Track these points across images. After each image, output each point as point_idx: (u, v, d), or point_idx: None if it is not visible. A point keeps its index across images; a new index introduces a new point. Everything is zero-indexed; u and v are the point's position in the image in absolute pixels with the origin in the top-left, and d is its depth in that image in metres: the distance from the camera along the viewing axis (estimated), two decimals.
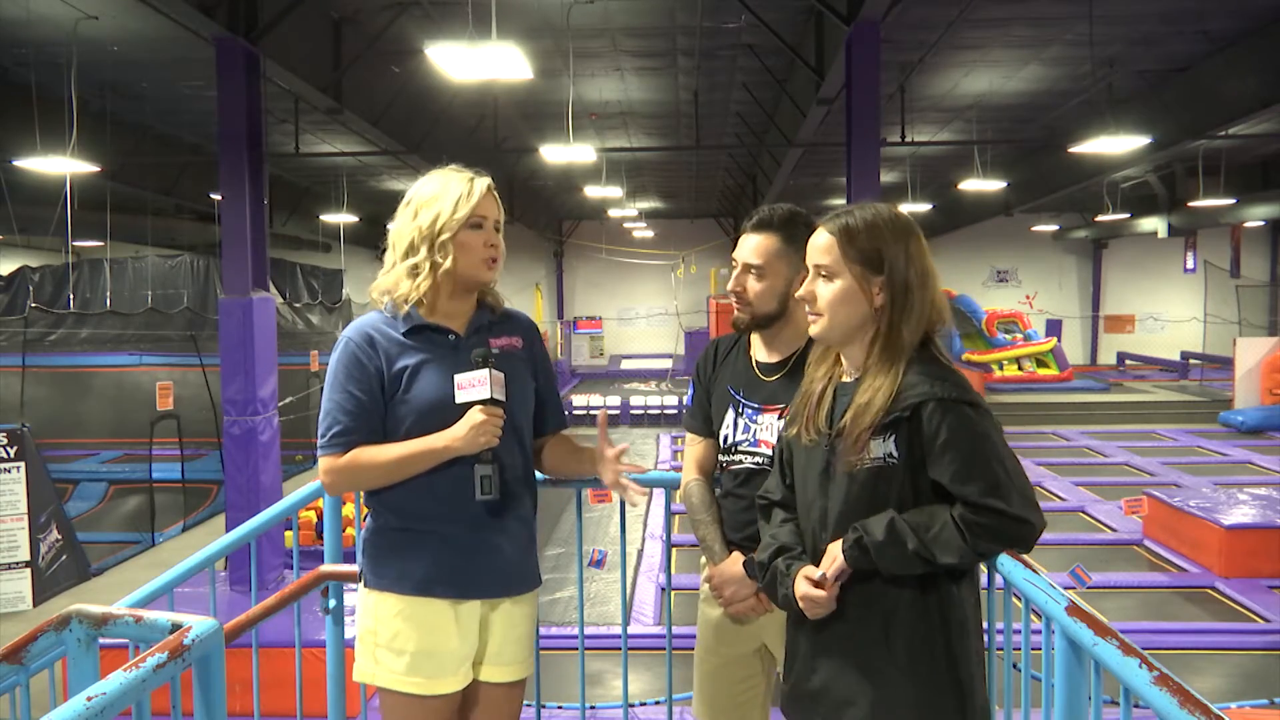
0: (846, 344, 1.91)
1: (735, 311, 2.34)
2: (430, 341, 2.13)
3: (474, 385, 2.08)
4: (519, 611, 2.23)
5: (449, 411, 2.08)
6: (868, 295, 1.85)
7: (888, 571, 1.79)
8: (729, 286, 2.32)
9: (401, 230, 2.14)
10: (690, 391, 2.52)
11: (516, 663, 2.24)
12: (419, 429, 2.08)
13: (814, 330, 1.92)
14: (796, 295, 1.99)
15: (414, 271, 2.10)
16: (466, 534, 2.13)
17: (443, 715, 2.14)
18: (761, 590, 2.05)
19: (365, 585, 2.16)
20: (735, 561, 2.27)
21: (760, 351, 2.37)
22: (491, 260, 2.15)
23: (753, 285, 2.28)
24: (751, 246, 2.29)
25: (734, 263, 2.34)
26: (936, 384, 1.77)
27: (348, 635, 2.79)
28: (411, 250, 2.11)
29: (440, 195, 2.11)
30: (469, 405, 2.07)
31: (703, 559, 2.45)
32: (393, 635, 2.10)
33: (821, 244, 1.89)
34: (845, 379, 1.92)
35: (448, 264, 2.09)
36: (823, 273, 1.89)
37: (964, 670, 1.82)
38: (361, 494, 2.25)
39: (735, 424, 2.33)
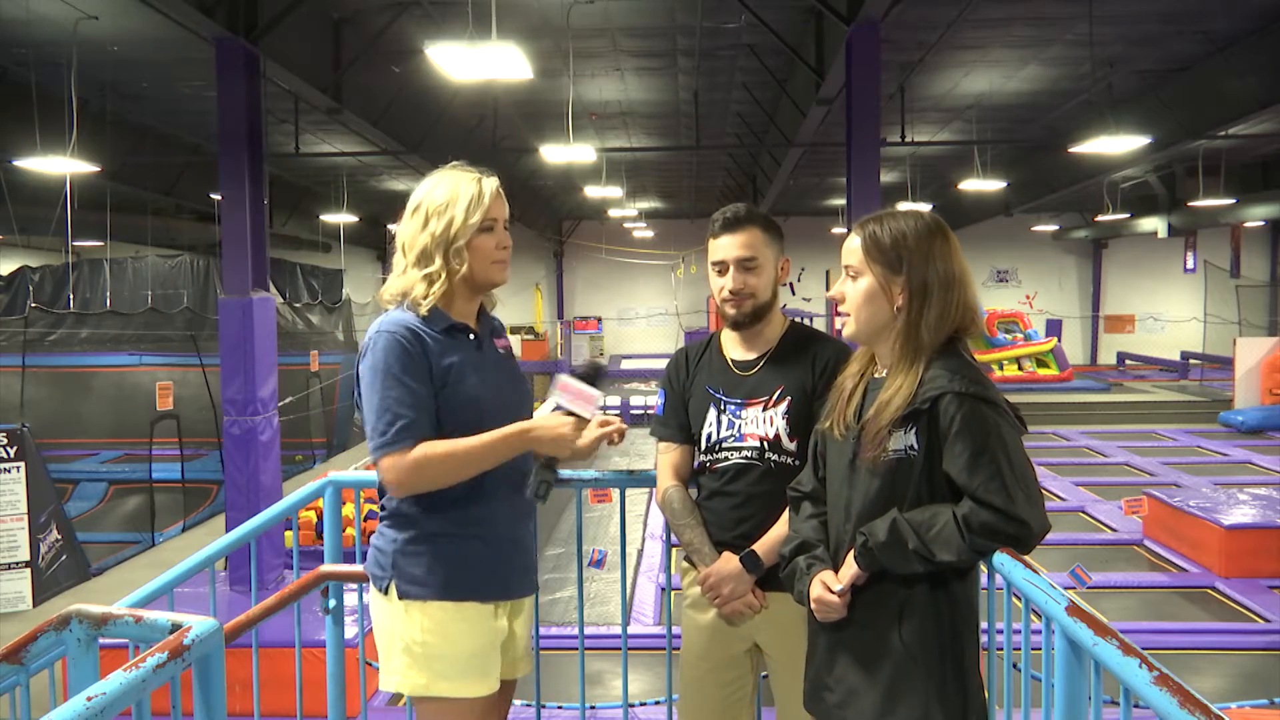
0: (876, 343, 1.97)
1: (733, 310, 2.35)
2: (459, 341, 2.13)
3: (579, 397, 2.09)
4: (529, 610, 2.29)
5: (496, 410, 2.10)
6: (889, 295, 1.91)
7: (894, 570, 1.85)
8: (729, 287, 2.32)
9: (413, 237, 2.11)
10: (660, 400, 2.52)
11: (526, 658, 2.29)
12: (475, 425, 2.06)
13: (845, 330, 2.00)
14: (829, 295, 2.05)
15: (430, 279, 2.08)
16: (503, 535, 2.14)
17: (486, 715, 2.14)
18: (783, 578, 2.08)
19: (399, 597, 2.08)
20: (730, 559, 2.28)
21: (736, 350, 2.42)
22: (504, 262, 2.15)
23: (751, 279, 2.33)
24: (739, 242, 2.32)
25: (720, 265, 2.35)
26: (956, 379, 1.82)
27: (348, 635, 2.79)
28: (425, 258, 2.09)
29: (451, 201, 2.09)
30: (555, 409, 2.09)
31: (684, 565, 2.46)
32: (439, 643, 2.06)
33: (853, 246, 1.97)
34: (877, 375, 1.98)
35: (464, 270, 2.09)
36: (850, 273, 1.96)
37: (969, 662, 1.89)
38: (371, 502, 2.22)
39: (719, 421, 2.36)
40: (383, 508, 2.14)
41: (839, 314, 2.01)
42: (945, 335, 1.88)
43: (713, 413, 2.37)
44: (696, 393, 2.42)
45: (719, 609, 2.31)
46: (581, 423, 2.09)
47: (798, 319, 2.51)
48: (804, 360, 2.33)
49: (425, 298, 2.08)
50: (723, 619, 2.33)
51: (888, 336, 1.93)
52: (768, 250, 2.34)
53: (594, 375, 2.13)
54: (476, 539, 2.10)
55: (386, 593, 2.10)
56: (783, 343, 2.38)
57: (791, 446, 2.28)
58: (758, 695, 2.52)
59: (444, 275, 2.08)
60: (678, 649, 2.81)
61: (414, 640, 2.06)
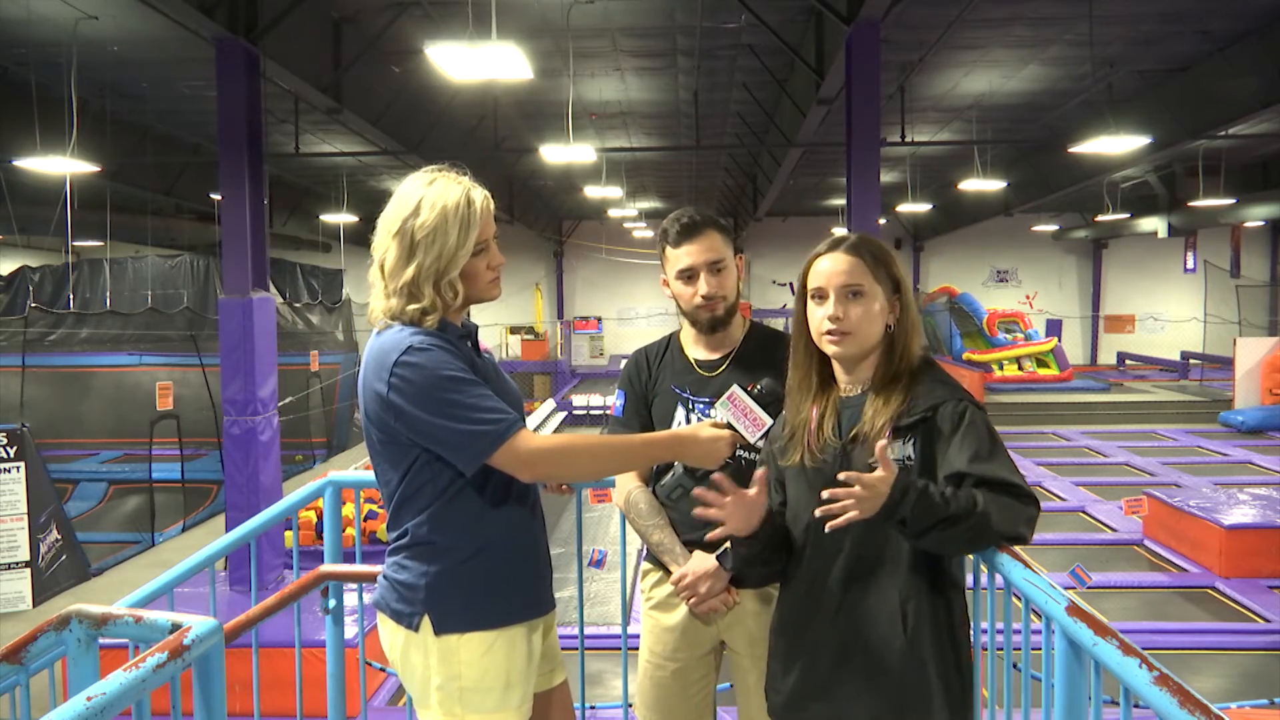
0: (861, 360, 1.98)
1: (709, 314, 2.35)
2: (467, 350, 2.02)
3: (746, 416, 2.04)
4: (554, 617, 2.21)
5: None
6: (889, 313, 1.97)
7: (915, 524, 1.73)
8: (703, 292, 2.32)
9: (395, 265, 1.93)
10: (619, 401, 2.50)
11: (562, 661, 2.22)
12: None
13: (838, 349, 1.95)
14: (828, 316, 1.96)
15: (423, 312, 1.92)
16: (537, 551, 2.07)
17: None
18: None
19: (437, 633, 1.93)
20: (706, 558, 2.26)
21: (699, 351, 2.44)
22: (497, 279, 2.04)
23: (722, 281, 2.36)
24: (705, 247, 2.34)
25: (688, 273, 2.35)
26: (954, 390, 1.92)
27: (348, 635, 2.78)
28: (413, 290, 1.92)
29: (439, 228, 1.90)
30: (719, 424, 2.04)
31: (645, 566, 2.45)
32: (482, 674, 1.93)
33: (844, 267, 1.95)
34: (846, 394, 1.99)
35: (458, 302, 1.96)
36: (851, 293, 1.94)
37: (965, 660, 1.91)
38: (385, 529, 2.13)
39: (689, 421, 2.37)
40: (400, 536, 1.98)
41: (831, 334, 1.93)
42: (918, 347, 1.98)
43: (681, 412, 2.38)
44: (662, 393, 2.42)
45: (693, 608, 2.30)
46: (739, 439, 2.04)
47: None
48: (769, 359, 2.30)
49: (422, 324, 1.93)
50: (696, 617, 2.32)
51: (873, 353, 1.97)
52: (728, 251, 2.37)
53: (771, 399, 2.05)
54: (513, 553, 2.00)
55: (416, 629, 1.94)
56: (746, 341, 2.41)
57: (761, 444, 2.26)
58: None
59: (439, 307, 1.93)
60: None
61: (450, 674, 1.93)
